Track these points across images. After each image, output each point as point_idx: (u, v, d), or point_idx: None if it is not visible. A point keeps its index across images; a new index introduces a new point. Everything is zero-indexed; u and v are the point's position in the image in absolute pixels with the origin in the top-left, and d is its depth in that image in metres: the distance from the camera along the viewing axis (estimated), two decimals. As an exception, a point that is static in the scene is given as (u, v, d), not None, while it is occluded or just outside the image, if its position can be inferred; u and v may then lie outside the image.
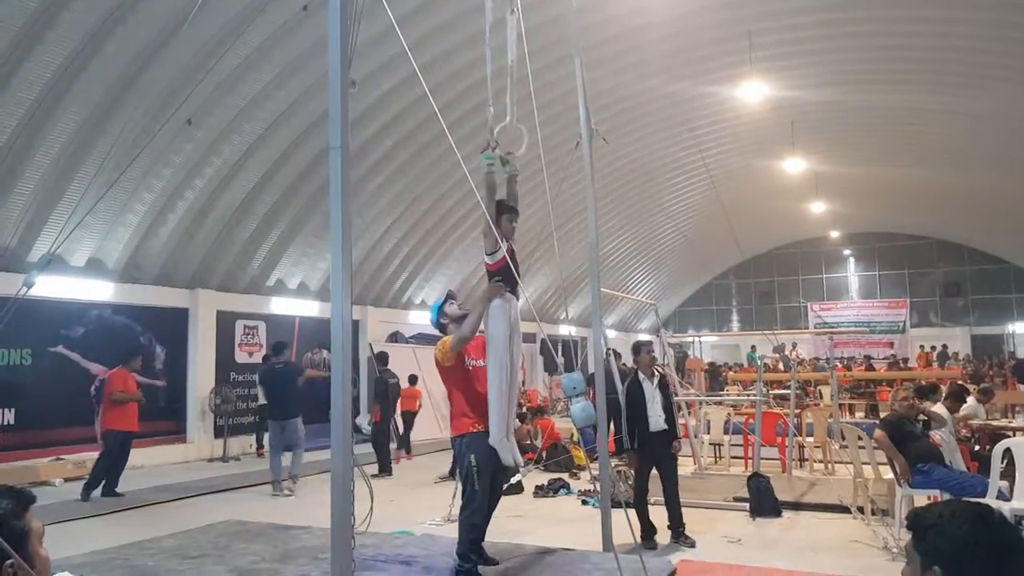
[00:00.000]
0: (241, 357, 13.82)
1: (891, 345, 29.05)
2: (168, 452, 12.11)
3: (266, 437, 13.24)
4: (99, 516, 8.02)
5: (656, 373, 7.04)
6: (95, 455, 10.41)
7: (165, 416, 12.39)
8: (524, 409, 13.10)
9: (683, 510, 6.81)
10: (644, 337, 33.23)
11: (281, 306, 14.61)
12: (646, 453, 6.73)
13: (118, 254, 11.51)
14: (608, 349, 10.29)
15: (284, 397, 9.49)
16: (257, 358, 13.79)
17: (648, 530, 6.63)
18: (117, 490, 9.09)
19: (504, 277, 4.93)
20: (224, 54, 9.53)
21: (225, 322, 13.49)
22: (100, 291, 11.43)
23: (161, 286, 12.33)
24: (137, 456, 11.11)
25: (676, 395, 9.13)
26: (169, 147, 10.76)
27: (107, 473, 9.06)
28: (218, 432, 12.94)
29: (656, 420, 6.71)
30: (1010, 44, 12.68)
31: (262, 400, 13.12)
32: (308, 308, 15.05)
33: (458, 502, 7.64)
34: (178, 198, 11.59)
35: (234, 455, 12.75)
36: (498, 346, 4.77)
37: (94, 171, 9.76)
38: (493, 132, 5.17)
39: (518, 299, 5.06)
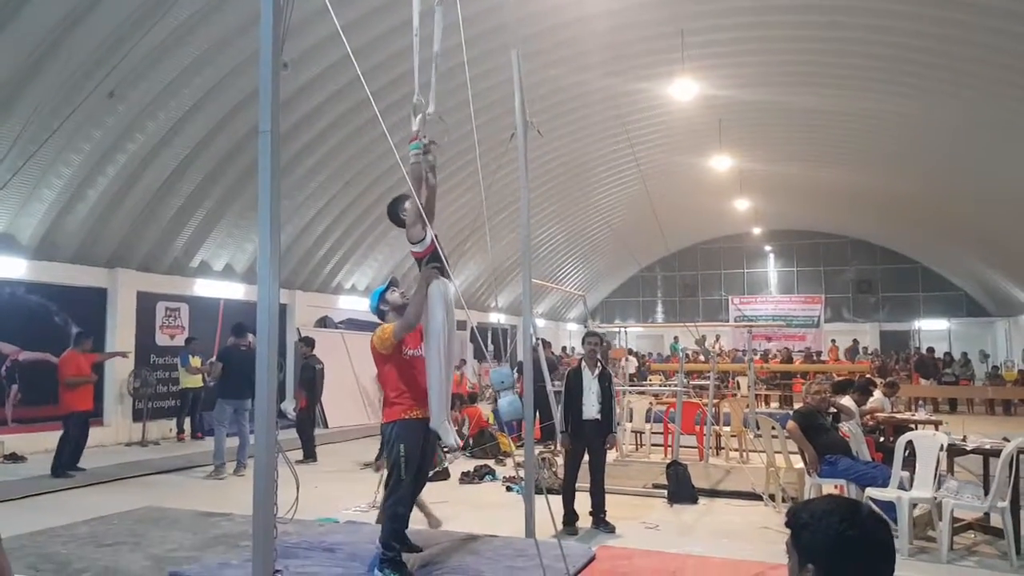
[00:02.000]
0: (162, 340, 13.43)
1: (804, 338, 30.22)
2: (83, 436, 11.69)
3: (187, 422, 13.06)
4: (10, 501, 7.73)
5: (598, 364, 7.21)
6: (4, 438, 10.21)
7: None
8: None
9: (605, 496, 7.02)
10: (573, 327, 33.70)
11: (205, 288, 14.23)
12: (578, 439, 6.95)
13: (32, 230, 11.01)
14: (537, 338, 10.43)
15: (244, 378, 9.42)
16: (179, 341, 13.43)
17: (570, 516, 6.81)
18: (79, 465, 9.32)
19: (435, 263, 4.95)
20: (151, 26, 9.18)
21: (146, 303, 13.07)
22: (12, 268, 10.91)
23: (79, 264, 11.86)
24: (50, 439, 10.77)
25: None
26: (89, 120, 10.34)
27: (72, 451, 9.27)
28: (137, 416, 12.57)
29: (589, 409, 6.94)
30: (927, 53, 13.31)
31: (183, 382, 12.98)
32: (233, 291, 14.70)
33: (383, 489, 7.70)
34: (98, 173, 11.14)
35: (153, 439, 12.43)
36: (437, 331, 4.80)
37: (8, 143, 9.31)
38: (416, 121, 5.14)
39: (450, 280, 5.10)
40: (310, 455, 10.81)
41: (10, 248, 10.83)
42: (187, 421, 13.10)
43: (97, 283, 12.26)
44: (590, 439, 6.92)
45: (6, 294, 10.97)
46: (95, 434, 11.88)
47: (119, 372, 12.44)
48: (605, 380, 7.07)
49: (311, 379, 11.12)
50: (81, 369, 9.53)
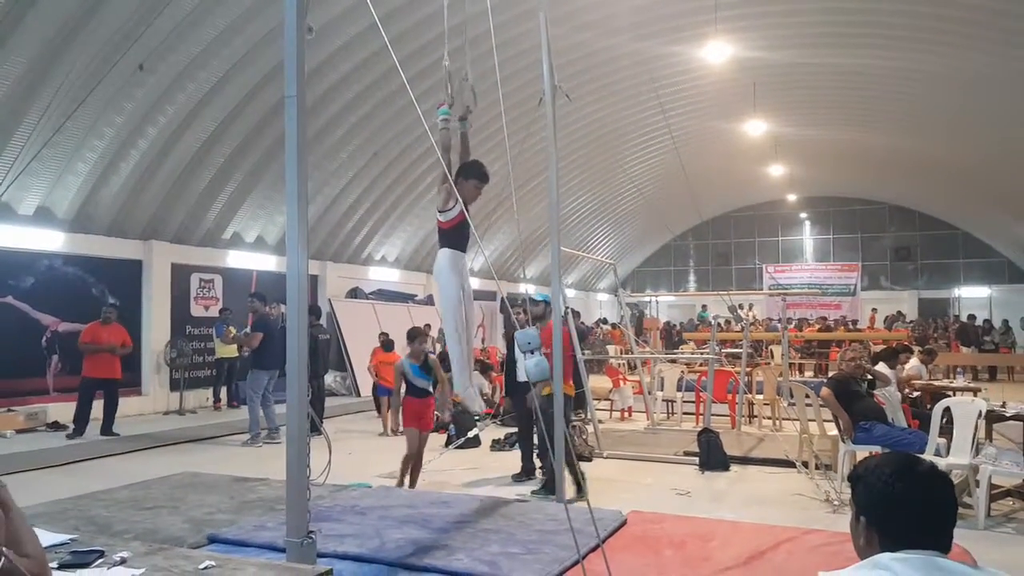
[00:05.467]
0: (197, 311, 13.64)
1: (839, 307, 29.70)
2: (123, 404, 11.83)
3: (223, 391, 13.27)
4: (53, 467, 7.96)
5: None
6: (47, 406, 10.50)
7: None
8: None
9: (632, 463, 7.12)
10: (604, 297, 33.56)
11: (238, 260, 14.40)
12: (517, 399, 7.56)
13: (68, 203, 11.19)
14: (567, 308, 10.38)
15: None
16: (214, 312, 13.63)
17: (528, 467, 7.48)
18: (114, 430, 9.81)
19: (456, 236, 4.98)
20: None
21: (180, 275, 13.26)
22: (50, 241, 11.12)
23: (113, 237, 12.04)
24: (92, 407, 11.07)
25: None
26: (120, 93, 10.42)
27: (89, 415, 9.77)
28: (174, 385, 12.82)
29: (520, 372, 7.12)
30: (970, 9, 12.84)
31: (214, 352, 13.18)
32: (266, 262, 14.86)
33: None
34: (130, 146, 11.26)
35: (190, 408, 12.68)
36: (452, 305, 4.89)
37: (38, 116, 9.43)
38: (449, 88, 5.11)
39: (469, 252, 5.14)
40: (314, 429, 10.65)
41: (47, 221, 11.02)
42: (223, 390, 13.33)
43: (132, 255, 12.45)
44: (528, 400, 7.16)
45: (44, 266, 11.19)
46: (134, 403, 12.20)
47: (156, 343, 12.68)
48: None
49: (314, 348, 11.00)
50: (96, 338, 9.92)
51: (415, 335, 7.10)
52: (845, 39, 14.89)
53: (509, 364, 7.64)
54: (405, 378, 6.87)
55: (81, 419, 9.73)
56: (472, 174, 5.06)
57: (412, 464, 6.85)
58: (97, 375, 9.87)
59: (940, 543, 1.64)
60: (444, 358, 12.98)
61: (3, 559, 1.68)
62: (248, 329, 10.99)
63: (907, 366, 9.60)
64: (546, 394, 6.55)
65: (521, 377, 7.07)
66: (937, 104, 17.65)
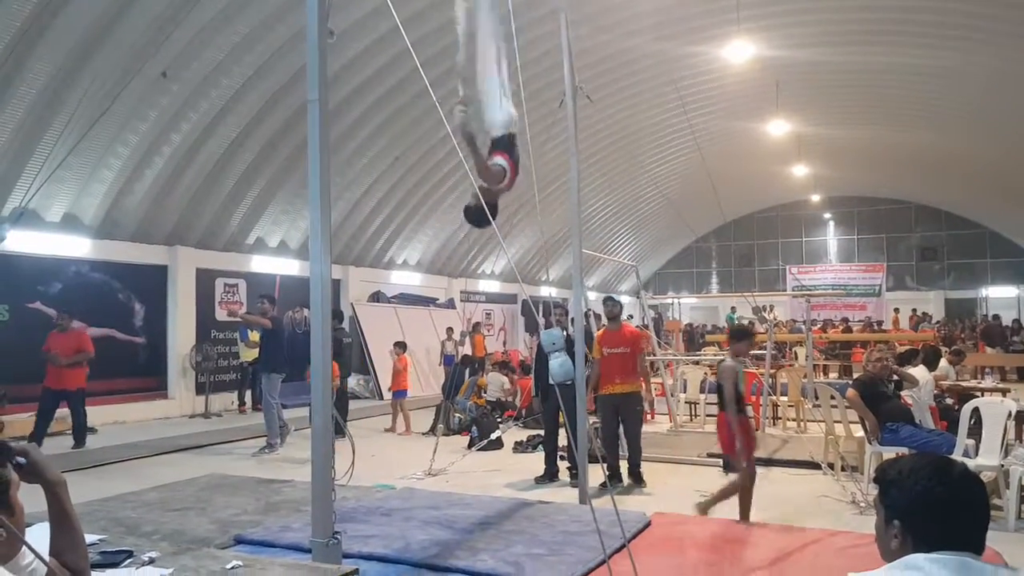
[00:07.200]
0: (221, 315, 13.79)
1: (864, 308, 29.34)
2: (150, 408, 12.14)
3: (248, 395, 13.37)
4: (82, 470, 8.05)
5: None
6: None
7: (146, 373, 12.43)
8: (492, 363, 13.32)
9: (655, 465, 7.14)
10: (626, 299, 33.41)
11: (261, 264, 14.53)
12: (548, 400, 7.53)
13: (94, 210, 11.35)
14: (589, 310, 10.39)
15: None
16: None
17: (552, 470, 7.53)
18: (87, 443, 9.46)
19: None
20: (198, 3, 9.32)
21: (205, 280, 13.41)
22: (77, 247, 11.30)
23: (139, 243, 12.20)
24: (119, 412, 11.22)
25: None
26: (144, 101, 10.57)
27: (44, 428, 9.17)
28: (199, 389, 12.95)
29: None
30: (997, 4, 12.66)
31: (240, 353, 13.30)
32: (289, 267, 14.99)
33: (440, 456, 7.86)
34: (154, 153, 11.41)
35: (216, 411, 12.80)
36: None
37: (63, 124, 9.57)
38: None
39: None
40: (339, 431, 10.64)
41: (74, 228, 11.19)
42: (247, 394, 13.45)
43: (158, 260, 12.61)
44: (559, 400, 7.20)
45: (72, 272, 11.37)
46: (160, 406, 12.38)
47: (181, 347, 12.82)
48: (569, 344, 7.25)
49: (338, 351, 11.00)
50: (48, 347, 9.40)
51: (745, 334, 5.96)
52: (869, 36, 14.73)
53: (539, 365, 7.55)
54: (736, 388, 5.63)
55: (37, 431, 8.94)
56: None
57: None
58: (49, 385, 9.28)
59: (975, 545, 1.62)
60: (465, 362, 13.13)
61: (47, 569, 1.71)
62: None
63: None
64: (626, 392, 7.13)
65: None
66: (964, 101, 17.40)
